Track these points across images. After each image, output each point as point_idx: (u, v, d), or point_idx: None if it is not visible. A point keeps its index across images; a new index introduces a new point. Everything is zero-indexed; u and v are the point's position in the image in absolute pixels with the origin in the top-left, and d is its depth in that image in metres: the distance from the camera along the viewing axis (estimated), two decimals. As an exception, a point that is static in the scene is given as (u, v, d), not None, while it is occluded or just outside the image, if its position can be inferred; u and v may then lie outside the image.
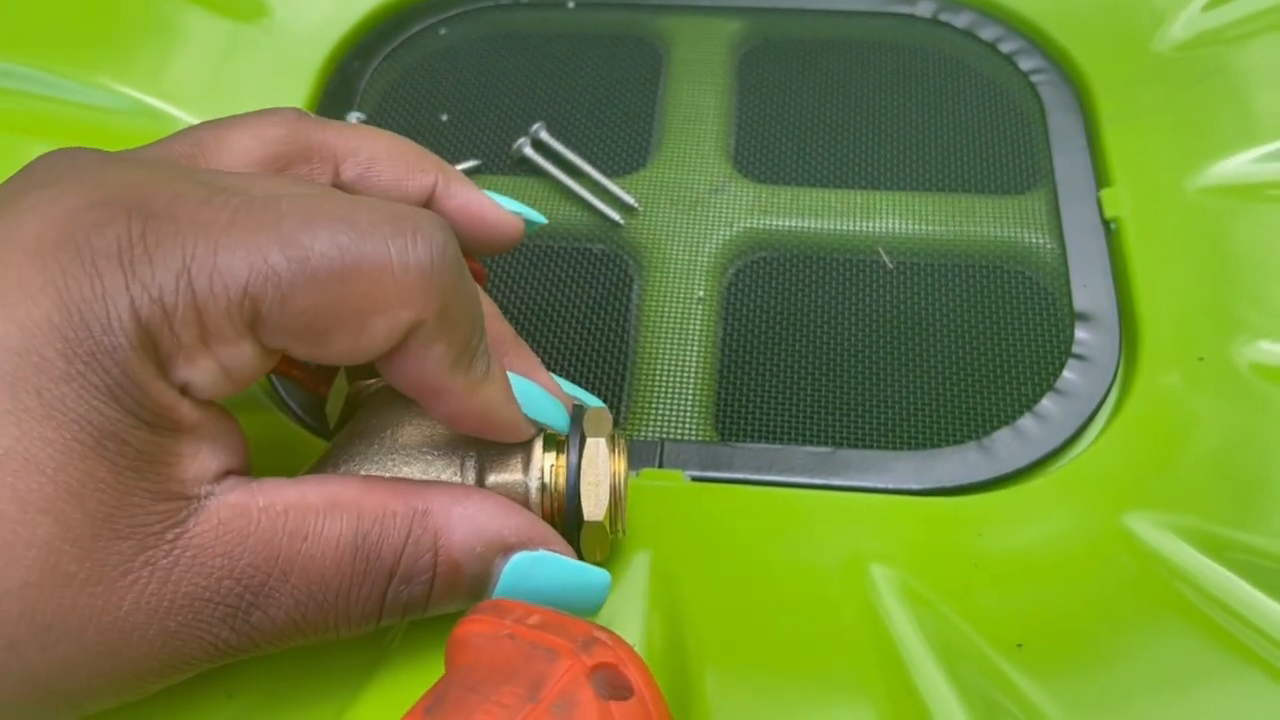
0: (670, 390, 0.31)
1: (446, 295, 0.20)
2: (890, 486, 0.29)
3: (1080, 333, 0.32)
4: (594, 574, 0.24)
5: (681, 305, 0.33)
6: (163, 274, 0.18)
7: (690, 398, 0.31)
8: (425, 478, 0.24)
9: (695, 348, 0.32)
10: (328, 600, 0.20)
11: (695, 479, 0.29)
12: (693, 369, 0.32)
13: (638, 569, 0.27)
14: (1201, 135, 0.35)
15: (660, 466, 0.30)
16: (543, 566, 0.23)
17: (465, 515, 0.22)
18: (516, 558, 0.22)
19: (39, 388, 0.18)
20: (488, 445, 0.24)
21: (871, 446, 0.30)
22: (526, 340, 0.32)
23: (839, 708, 0.24)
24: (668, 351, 0.32)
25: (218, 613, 0.19)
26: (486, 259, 0.34)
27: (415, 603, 0.22)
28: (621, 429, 0.31)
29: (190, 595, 0.19)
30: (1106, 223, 0.34)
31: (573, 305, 0.34)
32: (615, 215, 0.35)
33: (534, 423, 0.24)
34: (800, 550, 0.27)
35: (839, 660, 0.25)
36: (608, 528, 0.24)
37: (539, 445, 0.24)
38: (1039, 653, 0.25)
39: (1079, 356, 0.31)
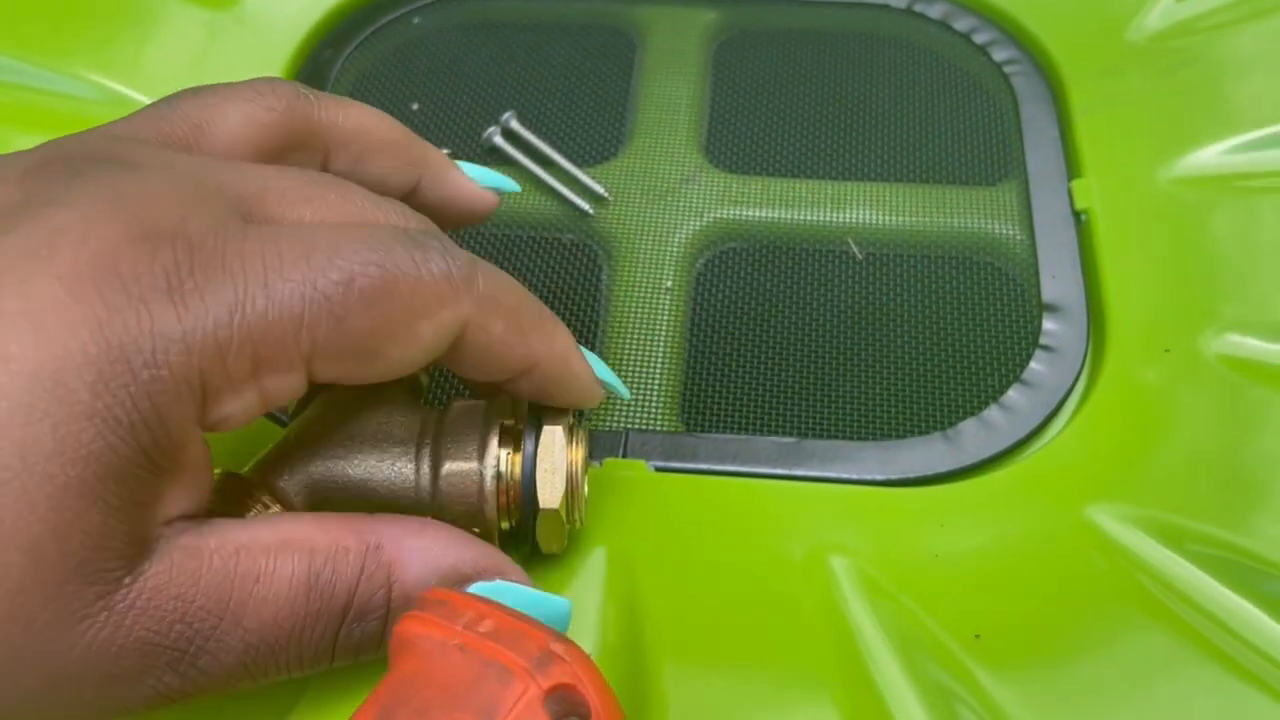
0: (636, 380, 0.31)
1: (479, 282, 0.21)
2: (855, 477, 0.29)
3: (1048, 324, 0.32)
4: (554, 603, 0.23)
5: (650, 296, 0.33)
6: (216, 309, 0.18)
7: (656, 388, 0.31)
8: (380, 465, 0.24)
9: (662, 338, 0.32)
10: (280, 642, 0.20)
11: (659, 469, 0.29)
12: (659, 359, 0.32)
13: (597, 560, 0.27)
14: (1174, 126, 0.35)
15: (624, 456, 0.29)
16: (500, 597, 0.22)
17: (419, 548, 0.21)
18: (472, 589, 0.22)
19: (56, 422, 0.17)
20: (443, 434, 0.24)
21: (837, 437, 0.30)
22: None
23: (796, 700, 0.24)
24: (634, 341, 0.32)
25: (164, 657, 0.19)
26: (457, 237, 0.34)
27: (368, 641, 0.21)
28: (585, 418, 0.31)
29: (140, 640, 0.18)
30: (1077, 214, 0.34)
31: (541, 294, 0.33)
32: (585, 205, 0.35)
33: (602, 385, 0.25)
34: (762, 541, 0.27)
35: (797, 652, 0.25)
36: (564, 516, 0.24)
37: (495, 434, 0.24)
38: (997, 644, 0.25)
39: (1046, 348, 0.31)
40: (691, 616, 0.26)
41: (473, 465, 0.24)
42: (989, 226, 0.34)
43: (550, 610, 0.23)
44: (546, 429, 0.24)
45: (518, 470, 0.24)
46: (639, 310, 0.33)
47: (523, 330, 0.23)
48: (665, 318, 0.33)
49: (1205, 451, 0.28)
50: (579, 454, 0.24)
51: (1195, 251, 0.32)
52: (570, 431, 0.25)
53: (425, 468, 0.24)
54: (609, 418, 0.31)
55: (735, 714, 0.24)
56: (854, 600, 0.26)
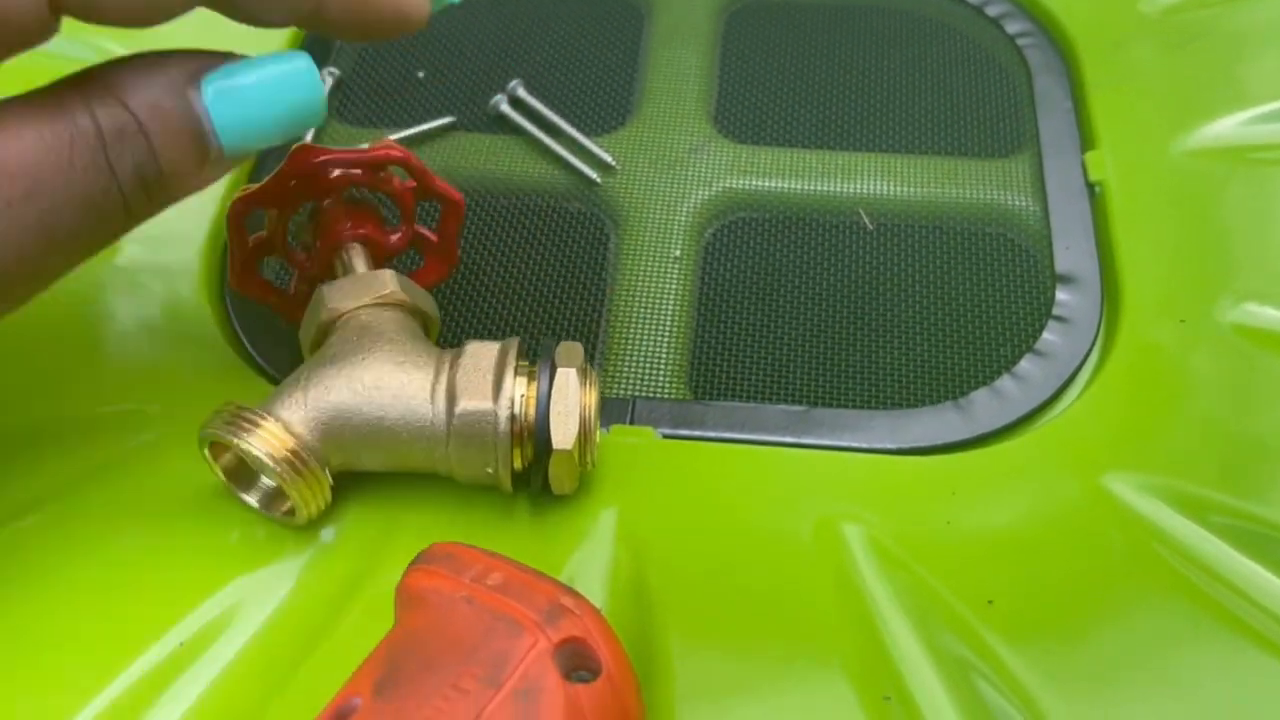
0: (643, 348, 0.31)
1: None
2: (865, 446, 0.28)
3: (1061, 294, 0.31)
4: (293, 57, 0.21)
5: (658, 264, 0.33)
6: None
7: (664, 356, 0.31)
8: (395, 403, 0.24)
9: (670, 306, 0.32)
10: (44, 171, 0.19)
11: (666, 436, 0.29)
12: (667, 327, 0.31)
13: (604, 526, 0.26)
14: (1188, 99, 0.34)
15: (631, 424, 0.29)
16: (243, 73, 0.21)
17: (130, 62, 0.20)
18: (212, 75, 0.20)
19: None
20: (457, 374, 0.24)
21: (847, 406, 0.30)
22: (499, 297, 0.32)
23: (807, 667, 0.24)
24: (642, 310, 0.32)
25: None
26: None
27: (146, 164, 0.20)
28: (598, 365, 0.30)
29: None
30: (1090, 186, 0.33)
31: (547, 263, 0.33)
32: (593, 174, 0.35)
33: None
34: (772, 508, 0.27)
35: (808, 619, 0.25)
36: (576, 458, 0.24)
37: (510, 374, 0.24)
38: (1011, 610, 0.24)
39: (1059, 318, 0.31)
40: (701, 584, 0.25)
41: (488, 405, 0.24)
42: (1001, 198, 0.34)
43: (295, 66, 0.21)
44: (560, 371, 0.24)
45: (532, 411, 0.24)
46: (647, 279, 0.32)
47: None
48: (673, 286, 0.32)
49: (1223, 421, 0.27)
50: (592, 397, 0.25)
51: (1210, 223, 0.32)
52: (583, 374, 0.25)
53: (440, 406, 0.24)
54: (616, 386, 0.30)
55: (744, 678, 0.24)
56: (866, 568, 0.25)
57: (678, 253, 0.33)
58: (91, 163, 0.20)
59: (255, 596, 0.25)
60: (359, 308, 0.26)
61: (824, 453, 0.28)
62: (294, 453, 0.23)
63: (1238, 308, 0.29)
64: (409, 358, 0.24)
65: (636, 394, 0.30)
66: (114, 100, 0.20)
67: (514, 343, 0.25)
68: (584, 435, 0.24)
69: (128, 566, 0.25)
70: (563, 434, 0.24)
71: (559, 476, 0.25)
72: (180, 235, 0.32)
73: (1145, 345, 0.29)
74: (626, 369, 0.31)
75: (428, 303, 0.27)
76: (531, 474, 0.25)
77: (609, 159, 0.35)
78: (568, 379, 0.24)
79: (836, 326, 0.32)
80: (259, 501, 0.25)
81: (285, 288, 0.30)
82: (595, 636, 0.18)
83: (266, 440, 0.23)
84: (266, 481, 0.26)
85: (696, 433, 0.29)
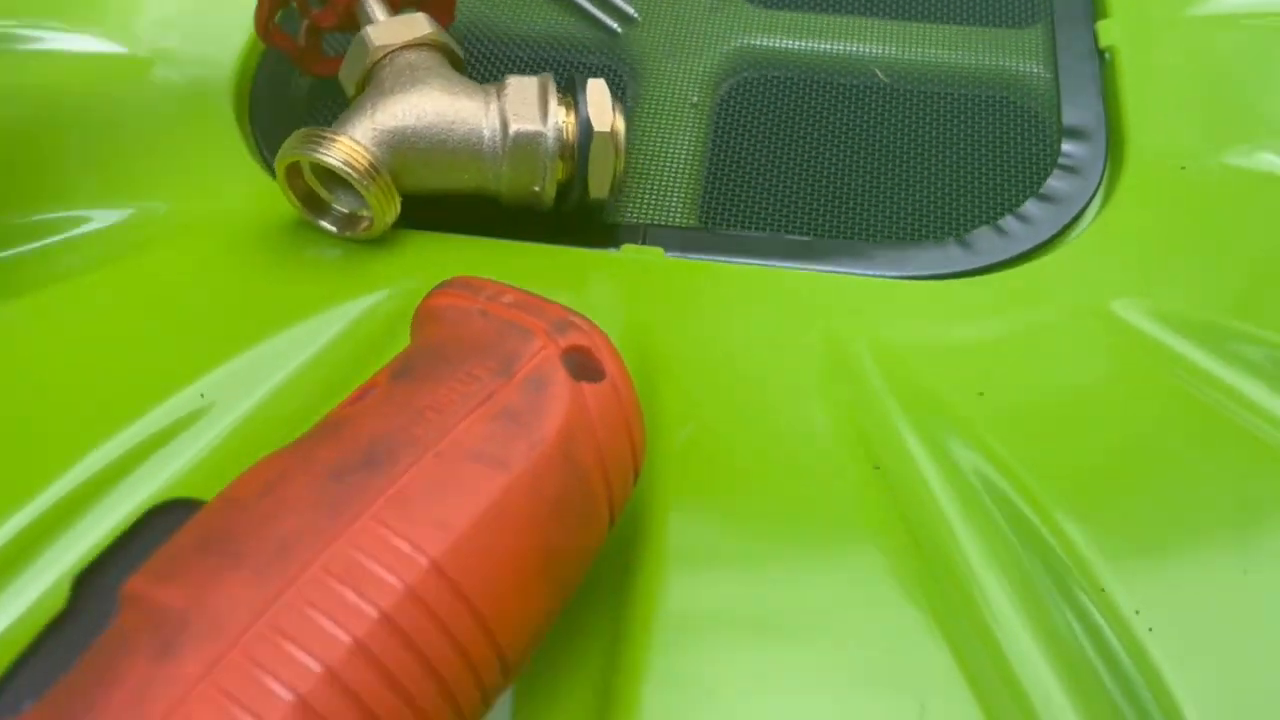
0: (657, 182, 0.32)
1: None
2: (869, 273, 0.29)
3: (1067, 146, 0.32)
4: None
5: (675, 110, 0.33)
6: None
7: (676, 190, 0.31)
8: (455, 126, 0.27)
9: (685, 144, 0.32)
10: None
11: (675, 258, 0.29)
12: (681, 162, 0.32)
13: (609, 332, 0.27)
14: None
15: (643, 244, 0.30)
16: None
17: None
18: None
19: None
20: (506, 102, 0.27)
21: (852, 239, 0.31)
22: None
23: (797, 444, 0.25)
24: (657, 145, 0.32)
25: None
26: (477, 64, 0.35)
27: None
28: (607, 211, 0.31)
29: None
30: (1101, 52, 0.34)
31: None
32: (614, 24, 0.35)
33: None
34: (778, 324, 0.28)
35: (808, 414, 0.25)
36: (613, 150, 0.27)
37: (553, 100, 0.27)
38: (1001, 404, 0.25)
39: (1065, 167, 0.31)
40: (707, 392, 0.26)
41: (539, 127, 0.27)
42: (1013, 64, 0.34)
43: None
44: (591, 82, 0.28)
45: (573, 135, 0.27)
46: (663, 121, 0.33)
47: None
48: (689, 128, 0.33)
49: (1226, 255, 0.28)
50: (619, 119, 0.28)
51: (1217, 81, 0.32)
52: (615, 98, 0.28)
53: (496, 129, 0.27)
54: (628, 213, 0.31)
55: (752, 473, 0.25)
56: (869, 367, 0.26)
57: (695, 99, 0.34)
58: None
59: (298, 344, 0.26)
60: (402, 46, 0.28)
61: (829, 275, 0.29)
62: (372, 164, 0.26)
63: (1239, 152, 0.30)
64: (460, 89, 0.28)
65: (648, 221, 0.31)
66: None
67: (549, 76, 0.28)
68: (615, 136, 0.27)
69: (150, 336, 0.26)
70: (602, 118, 0.27)
71: (597, 170, 0.27)
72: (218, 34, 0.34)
73: (1148, 188, 0.30)
74: (639, 201, 0.31)
75: (455, 44, 0.30)
76: (574, 186, 0.28)
77: (630, 10, 0.35)
78: (599, 85, 0.28)
79: (844, 171, 0.32)
80: (333, 223, 0.28)
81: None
82: (601, 348, 0.19)
83: (347, 153, 0.26)
84: (338, 208, 0.28)
85: (705, 256, 0.30)
